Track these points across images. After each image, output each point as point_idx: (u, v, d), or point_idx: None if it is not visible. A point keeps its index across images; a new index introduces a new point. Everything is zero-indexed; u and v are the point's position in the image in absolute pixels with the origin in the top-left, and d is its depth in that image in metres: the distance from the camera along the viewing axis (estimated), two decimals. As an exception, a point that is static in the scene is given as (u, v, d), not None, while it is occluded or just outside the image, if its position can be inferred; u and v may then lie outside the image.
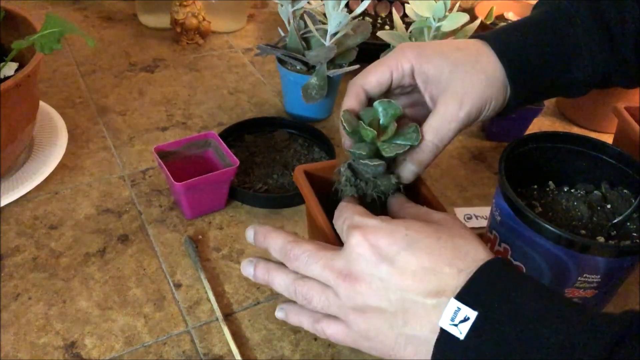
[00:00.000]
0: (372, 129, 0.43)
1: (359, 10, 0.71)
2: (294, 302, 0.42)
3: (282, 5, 0.72)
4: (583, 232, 0.52)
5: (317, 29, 0.70)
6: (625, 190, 0.55)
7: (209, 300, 0.54)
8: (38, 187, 0.64)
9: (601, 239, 0.51)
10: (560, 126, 0.85)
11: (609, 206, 0.55)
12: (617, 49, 0.46)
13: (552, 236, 0.47)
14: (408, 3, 0.70)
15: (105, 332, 0.51)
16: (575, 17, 0.46)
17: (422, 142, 0.45)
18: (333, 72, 0.72)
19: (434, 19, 0.68)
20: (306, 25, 0.71)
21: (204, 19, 0.93)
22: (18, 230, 0.60)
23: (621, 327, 0.31)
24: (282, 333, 0.52)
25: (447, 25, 0.68)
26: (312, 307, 0.40)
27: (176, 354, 0.50)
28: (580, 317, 0.33)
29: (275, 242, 0.42)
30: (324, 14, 0.72)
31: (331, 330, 0.40)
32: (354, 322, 0.38)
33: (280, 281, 0.42)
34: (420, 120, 0.51)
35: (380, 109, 0.45)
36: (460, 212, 0.67)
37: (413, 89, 0.48)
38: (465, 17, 0.68)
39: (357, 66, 0.73)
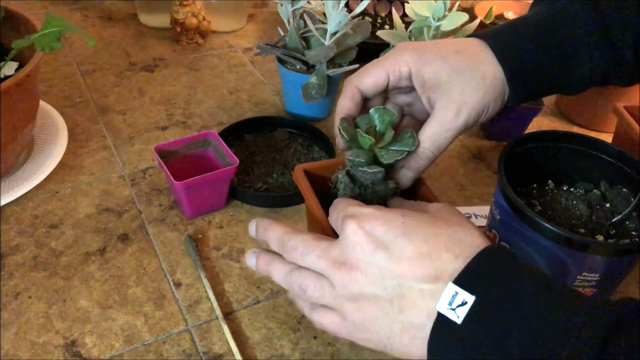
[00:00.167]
0: (370, 137, 0.43)
1: (358, 9, 0.71)
2: None
3: (281, 5, 0.72)
4: (582, 231, 0.52)
5: (316, 29, 0.71)
6: (624, 189, 0.56)
7: (209, 299, 0.54)
8: (38, 186, 0.64)
9: (600, 238, 0.52)
10: (559, 125, 0.85)
11: (608, 205, 0.55)
12: (616, 49, 0.46)
13: (552, 235, 0.47)
14: (408, 2, 0.70)
15: (105, 331, 0.51)
16: (575, 17, 0.46)
17: (419, 150, 0.45)
18: (333, 72, 0.72)
19: (434, 19, 0.68)
20: (306, 25, 0.71)
21: (203, 19, 0.93)
22: (18, 230, 0.60)
23: (618, 314, 0.31)
24: (281, 332, 0.52)
25: (447, 25, 0.68)
26: (307, 298, 0.40)
27: (176, 352, 0.50)
28: (577, 303, 0.33)
29: (274, 234, 0.43)
30: (324, 14, 0.72)
31: (326, 320, 0.40)
32: (348, 312, 0.38)
33: (277, 272, 0.42)
34: (418, 118, 0.51)
35: (376, 117, 0.45)
36: (460, 211, 0.67)
37: (411, 89, 0.48)
38: (465, 17, 0.68)
39: (356, 65, 0.73)
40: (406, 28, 0.73)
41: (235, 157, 0.62)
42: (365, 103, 0.48)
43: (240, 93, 0.85)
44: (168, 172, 0.59)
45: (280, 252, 0.42)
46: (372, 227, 0.38)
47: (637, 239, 0.52)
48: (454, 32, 0.72)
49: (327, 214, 0.46)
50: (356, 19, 0.75)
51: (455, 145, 0.78)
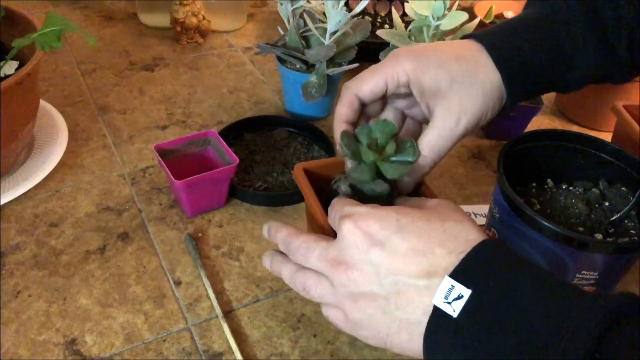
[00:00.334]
0: (373, 152, 0.43)
1: (358, 9, 0.72)
2: None
3: (281, 4, 0.72)
4: (581, 229, 0.53)
5: (316, 28, 0.71)
6: (623, 188, 0.56)
7: (209, 298, 0.54)
8: (38, 185, 0.64)
9: (599, 236, 0.52)
10: (559, 124, 0.85)
11: (607, 203, 0.55)
12: (612, 48, 0.47)
13: (551, 233, 0.47)
14: (407, 2, 0.70)
15: (105, 329, 0.51)
16: (571, 17, 0.46)
17: (420, 158, 0.45)
18: (332, 71, 0.72)
19: (433, 18, 0.68)
20: (306, 24, 0.71)
21: (203, 18, 0.93)
22: (19, 228, 0.60)
23: (617, 306, 0.31)
24: (281, 330, 0.52)
25: (446, 24, 0.68)
26: (311, 298, 0.41)
27: (176, 350, 0.50)
28: (574, 297, 0.33)
29: (280, 236, 0.44)
30: (324, 13, 0.72)
31: (331, 315, 0.41)
32: (349, 311, 0.39)
33: (285, 273, 0.43)
34: (419, 120, 0.51)
35: (377, 130, 0.45)
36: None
37: (410, 94, 0.48)
38: (465, 16, 0.68)
39: (356, 65, 0.73)
40: (406, 27, 0.73)
41: (235, 156, 0.62)
42: (363, 109, 0.48)
43: (240, 92, 0.85)
44: (168, 171, 0.59)
45: (286, 253, 0.43)
46: (367, 225, 0.38)
47: (635, 237, 0.52)
48: (453, 32, 0.72)
49: (326, 212, 0.46)
50: (356, 18, 0.75)
51: (455, 144, 0.78)
